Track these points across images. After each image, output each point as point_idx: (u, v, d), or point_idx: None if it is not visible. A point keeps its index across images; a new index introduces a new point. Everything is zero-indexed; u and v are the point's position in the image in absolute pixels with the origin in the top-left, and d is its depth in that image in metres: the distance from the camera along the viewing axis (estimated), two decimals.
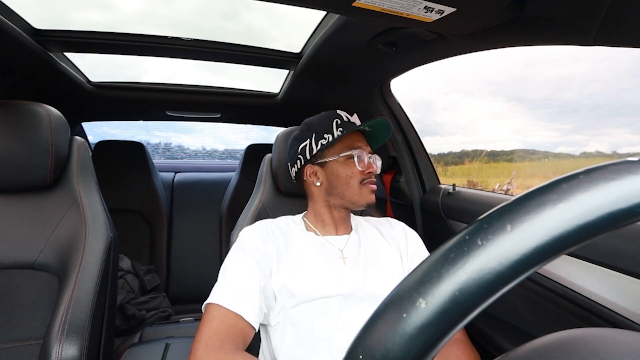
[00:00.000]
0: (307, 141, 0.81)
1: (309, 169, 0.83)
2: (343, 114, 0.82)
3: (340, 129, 0.79)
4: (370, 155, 0.82)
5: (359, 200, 0.79)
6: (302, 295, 0.69)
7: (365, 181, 0.80)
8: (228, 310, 0.62)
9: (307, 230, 0.82)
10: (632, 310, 0.63)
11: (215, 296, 0.65)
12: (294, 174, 0.87)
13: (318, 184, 0.82)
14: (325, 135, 0.79)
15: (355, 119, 0.83)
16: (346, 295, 0.71)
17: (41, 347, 0.72)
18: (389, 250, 0.81)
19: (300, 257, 0.74)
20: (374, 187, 0.81)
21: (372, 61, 1.10)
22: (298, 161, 0.83)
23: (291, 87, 1.48)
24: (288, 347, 0.68)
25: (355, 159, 0.79)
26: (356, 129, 0.80)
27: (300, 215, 0.87)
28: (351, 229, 0.85)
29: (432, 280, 0.17)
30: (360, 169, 0.79)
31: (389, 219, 0.91)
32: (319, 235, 0.81)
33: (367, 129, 0.84)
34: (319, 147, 0.80)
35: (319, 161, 0.82)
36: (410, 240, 0.84)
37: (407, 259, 0.81)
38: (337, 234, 0.82)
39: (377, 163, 0.83)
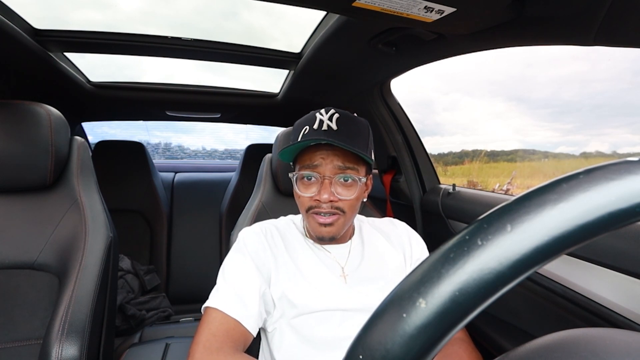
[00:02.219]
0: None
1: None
2: (319, 118, 0.67)
3: (304, 140, 0.67)
4: (329, 177, 0.66)
5: (309, 229, 0.71)
6: (302, 306, 0.67)
7: (311, 210, 0.68)
8: (227, 315, 0.61)
9: (307, 236, 0.77)
10: (632, 310, 0.63)
11: (215, 300, 0.63)
12: None
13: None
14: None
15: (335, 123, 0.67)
16: (348, 309, 0.68)
17: (41, 347, 0.72)
18: (394, 253, 0.77)
19: (302, 267, 0.70)
20: (322, 219, 0.67)
21: (372, 61, 1.10)
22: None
23: (291, 87, 1.48)
24: (287, 350, 0.67)
25: (294, 182, 0.69)
26: (292, 148, 0.66)
27: (300, 215, 0.83)
28: (352, 233, 0.79)
29: (432, 280, 0.17)
30: (300, 193, 0.69)
31: (392, 219, 0.87)
32: (316, 243, 0.76)
33: (311, 142, 0.67)
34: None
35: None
36: (414, 245, 0.80)
37: (411, 264, 0.77)
38: (337, 242, 0.76)
39: (343, 187, 0.67)
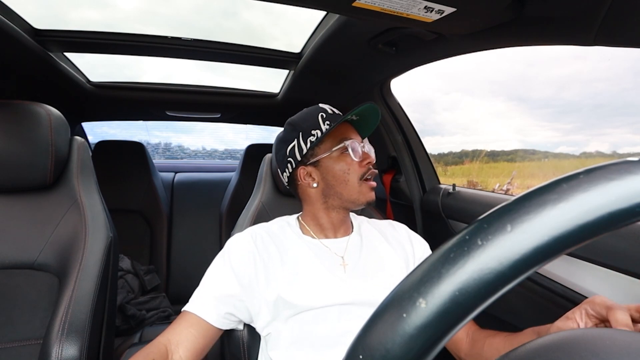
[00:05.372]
0: (295, 141, 0.76)
1: (302, 171, 0.77)
2: (326, 107, 0.78)
3: (328, 122, 0.75)
4: (363, 144, 0.77)
5: (358, 199, 0.75)
6: (300, 305, 0.67)
7: (365, 177, 0.75)
8: (192, 314, 0.67)
9: (303, 233, 0.78)
10: None
11: (187, 305, 0.69)
12: (286, 179, 0.82)
13: (315, 185, 0.76)
14: (313, 132, 0.74)
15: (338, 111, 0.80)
16: (347, 303, 0.69)
17: (41, 347, 0.72)
18: (393, 255, 0.77)
19: (298, 266, 0.71)
20: (374, 184, 0.76)
21: (372, 61, 1.10)
22: (289, 164, 0.78)
23: (291, 87, 1.48)
24: (285, 351, 0.67)
25: (350, 150, 0.74)
26: (344, 118, 0.75)
27: (295, 216, 0.84)
28: (352, 230, 0.81)
29: (432, 280, 0.17)
30: (356, 160, 0.75)
31: (391, 221, 0.87)
32: (315, 238, 0.77)
33: (354, 117, 0.78)
34: (308, 145, 0.75)
35: (312, 161, 0.76)
36: (416, 244, 0.81)
37: (414, 263, 0.77)
38: (335, 237, 0.78)
39: (372, 152, 0.79)
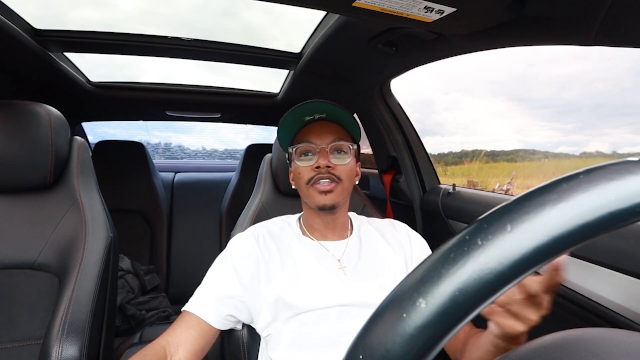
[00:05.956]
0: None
1: (290, 172, 0.81)
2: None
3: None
4: (325, 146, 0.72)
5: (312, 202, 0.73)
6: (300, 306, 0.67)
7: (311, 181, 0.73)
8: (192, 315, 0.67)
9: (303, 234, 0.78)
10: (632, 310, 0.63)
11: (188, 305, 0.69)
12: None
13: (293, 186, 0.79)
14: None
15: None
16: (347, 304, 0.68)
17: (41, 347, 0.72)
18: (393, 255, 0.76)
19: (298, 267, 0.71)
20: (322, 187, 0.71)
21: (372, 61, 1.10)
22: (289, 162, 0.81)
23: (291, 87, 1.48)
24: (285, 351, 0.67)
25: (294, 154, 0.75)
26: (307, 118, 0.74)
27: (297, 216, 0.84)
28: (351, 232, 0.81)
29: (432, 280, 0.17)
30: (300, 165, 0.74)
31: (392, 220, 0.87)
32: (314, 240, 0.77)
33: (316, 117, 0.74)
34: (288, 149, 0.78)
35: (291, 162, 0.79)
36: (415, 244, 0.80)
37: (412, 264, 0.77)
38: (334, 239, 0.78)
39: (337, 156, 0.74)
